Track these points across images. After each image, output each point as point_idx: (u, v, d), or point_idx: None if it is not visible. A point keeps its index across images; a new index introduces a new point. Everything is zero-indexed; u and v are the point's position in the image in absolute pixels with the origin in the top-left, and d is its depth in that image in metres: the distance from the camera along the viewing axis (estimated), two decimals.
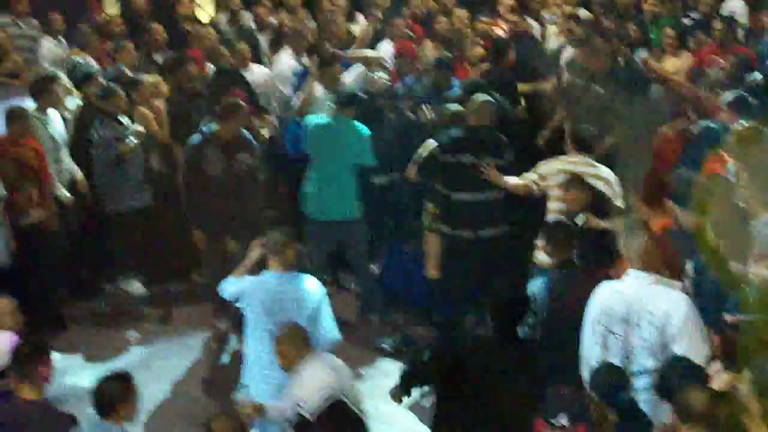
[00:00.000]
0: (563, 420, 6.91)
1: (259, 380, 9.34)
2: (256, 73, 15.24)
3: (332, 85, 13.59)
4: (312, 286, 9.56)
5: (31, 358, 7.82)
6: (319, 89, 13.67)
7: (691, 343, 8.10)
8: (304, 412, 8.29)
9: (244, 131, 12.50)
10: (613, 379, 7.75)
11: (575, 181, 10.73)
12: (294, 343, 8.57)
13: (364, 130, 12.57)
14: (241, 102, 12.46)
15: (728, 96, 11.87)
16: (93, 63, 15.18)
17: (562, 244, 9.66)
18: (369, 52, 14.91)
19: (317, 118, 12.93)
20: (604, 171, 11.17)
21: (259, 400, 8.90)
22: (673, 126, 12.43)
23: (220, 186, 12.21)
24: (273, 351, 8.89)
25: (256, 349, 9.45)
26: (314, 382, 8.40)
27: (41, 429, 7.67)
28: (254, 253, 9.70)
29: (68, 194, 12.88)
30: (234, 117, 12.26)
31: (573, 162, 11.18)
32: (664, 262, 8.97)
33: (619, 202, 11.01)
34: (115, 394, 7.70)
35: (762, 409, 7.24)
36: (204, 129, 12.35)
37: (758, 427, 7.08)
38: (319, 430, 8.10)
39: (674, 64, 14.77)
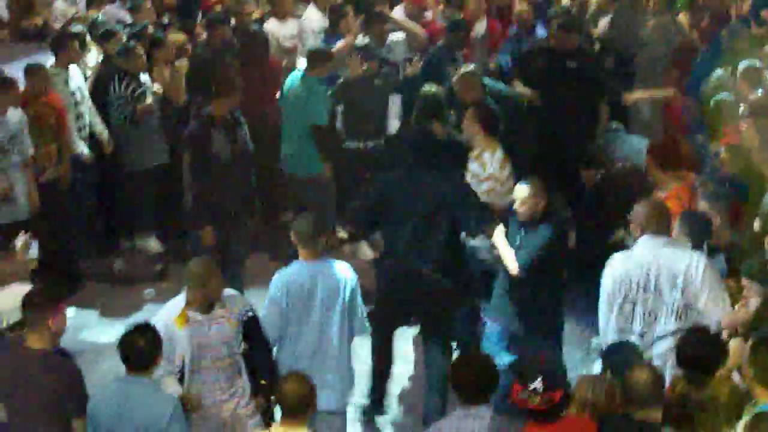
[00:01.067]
0: (538, 384, 6.97)
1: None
2: (289, 25, 15.20)
3: (379, 42, 13.84)
4: (345, 274, 9.13)
5: (40, 307, 7.76)
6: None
7: (714, 299, 8.25)
8: None
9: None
10: (627, 357, 7.82)
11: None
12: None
13: (319, 89, 12.84)
14: (233, 78, 12.18)
15: (743, 64, 11.77)
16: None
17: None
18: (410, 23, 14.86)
19: (292, 76, 13.15)
20: None
21: None
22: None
23: (227, 168, 11.68)
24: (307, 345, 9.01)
25: (291, 345, 9.12)
26: None
27: (47, 380, 7.61)
28: None
29: (87, 151, 12.92)
30: (230, 93, 11.79)
31: None
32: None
33: None
34: (146, 348, 7.65)
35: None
36: (202, 112, 12.00)
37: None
38: None
39: None
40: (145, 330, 7.73)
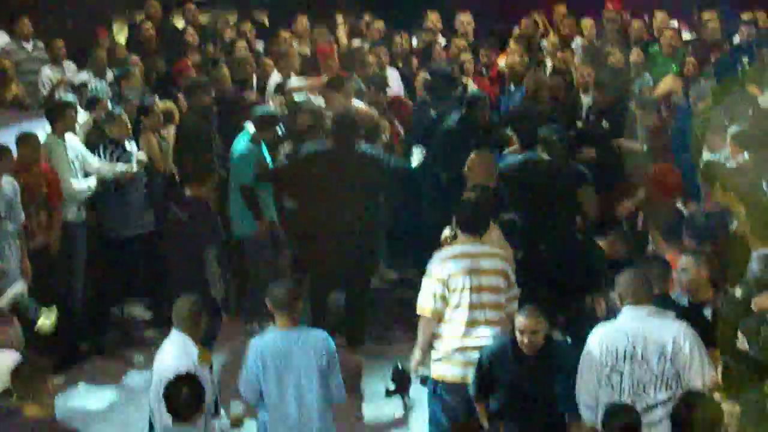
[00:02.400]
0: None
1: None
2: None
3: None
4: (322, 342, 9.04)
5: (31, 377, 7.82)
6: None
7: (702, 367, 8.35)
8: None
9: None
10: (629, 419, 7.82)
11: None
12: None
13: (245, 148, 13.06)
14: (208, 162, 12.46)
15: (733, 129, 12.01)
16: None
17: None
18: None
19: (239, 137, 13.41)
20: None
21: None
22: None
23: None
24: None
25: (275, 411, 9.06)
26: None
27: None
28: None
29: (84, 215, 13.01)
30: (205, 179, 11.96)
31: None
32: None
33: None
34: (192, 398, 7.84)
35: None
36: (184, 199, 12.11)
37: None
38: None
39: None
40: (189, 380, 7.93)
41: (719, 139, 12.21)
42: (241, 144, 13.21)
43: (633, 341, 8.41)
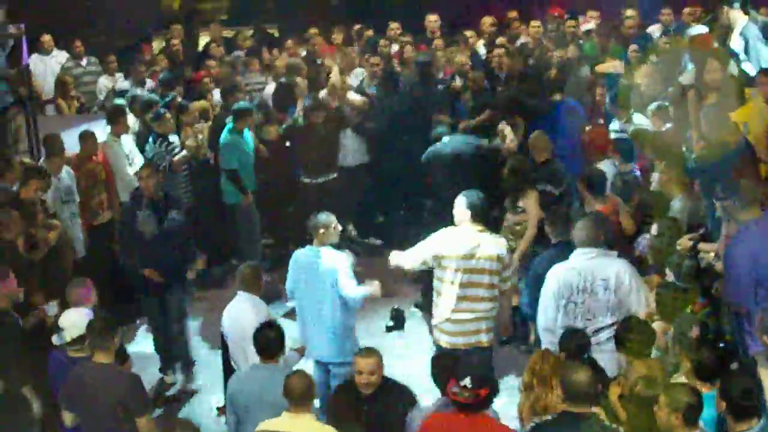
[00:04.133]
0: (467, 382, 6.96)
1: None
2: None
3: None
4: (331, 257, 9.44)
5: (103, 331, 7.90)
6: None
7: (640, 297, 8.55)
8: None
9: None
10: (581, 341, 8.01)
11: None
12: None
13: (227, 139, 13.24)
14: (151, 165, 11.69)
15: (653, 105, 11.99)
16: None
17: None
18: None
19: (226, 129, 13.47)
20: None
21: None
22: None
23: (151, 244, 10.98)
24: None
25: (302, 314, 9.68)
26: None
27: (112, 387, 7.79)
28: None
29: None
30: (151, 175, 11.11)
31: None
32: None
33: None
34: (275, 340, 7.99)
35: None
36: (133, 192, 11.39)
37: None
38: None
39: None
40: (273, 326, 8.09)
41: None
42: (224, 135, 13.34)
43: (584, 277, 8.53)
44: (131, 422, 7.75)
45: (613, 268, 8.57)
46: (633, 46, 14.65)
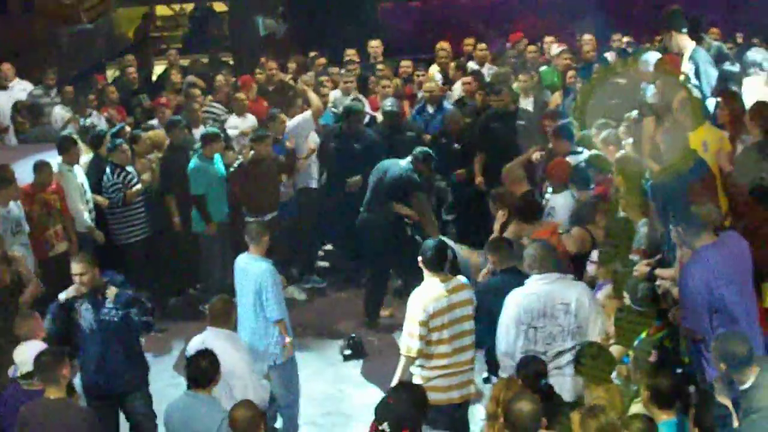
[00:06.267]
0: (386, 427, 6.86)
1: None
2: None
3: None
4: (259, 267, 9.91)
5: (51, 364, 7.81)
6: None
7: (598, 321, 8.54)
8: None
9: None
10: (538, 367, 7.97)
11: None
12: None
13: (195, 164, 13.21)
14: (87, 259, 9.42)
15: (603, 134, 11.80)
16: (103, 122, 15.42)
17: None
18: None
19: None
20: None
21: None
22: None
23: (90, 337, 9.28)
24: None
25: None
26: None
27: (64, 422, 7.73)
28: None
29: (93, 225, 12.98)
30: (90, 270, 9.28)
31: None
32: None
33: None
34: (208, 369, 7.83)
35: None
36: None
37: None
38: None
39: None
40: (207, 355, 7.94)
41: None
42: (193, 161, 13.31)
43: (544, 302, 8.50)
44: None
45: (573, 292, 8.58)
46: (571, 72, 14.90)
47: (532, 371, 7.91)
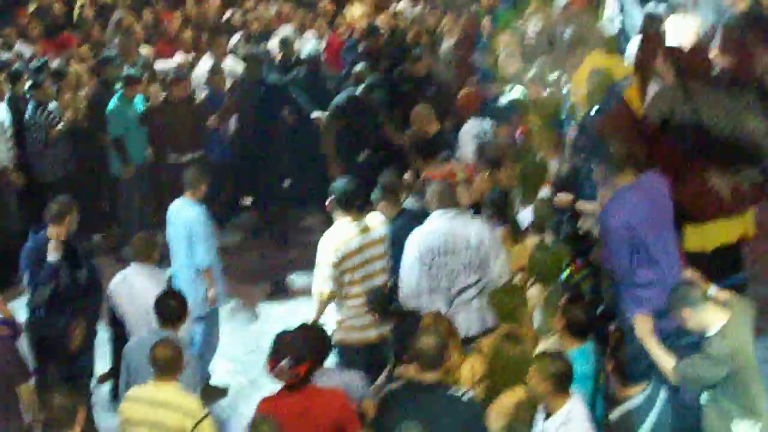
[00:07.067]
0: (286, 362, 6.81)
1: None
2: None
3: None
4: (190, 212, 9.86)
5: None
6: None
7: (501, 255, 8.53)
8: None
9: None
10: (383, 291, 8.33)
11: None
12: None
13: (114, 105, 12.94)
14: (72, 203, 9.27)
15: (530, 73, 11.77)
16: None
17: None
18: None
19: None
20: None
21: None
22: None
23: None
24: None
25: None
26: None
27: None
28: None
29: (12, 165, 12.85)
30: (66, 219, 9.10)
31: None
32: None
33: None
34: (177, 308, 7.97)
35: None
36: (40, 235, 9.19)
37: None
38: None
39: None
40: (176, 295, 8.14)
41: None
42: (112, 101, 13.05)
43: (445, 238, 8.42)
44: (11, 392, 7.66)
45: (473, 227, 8.53)
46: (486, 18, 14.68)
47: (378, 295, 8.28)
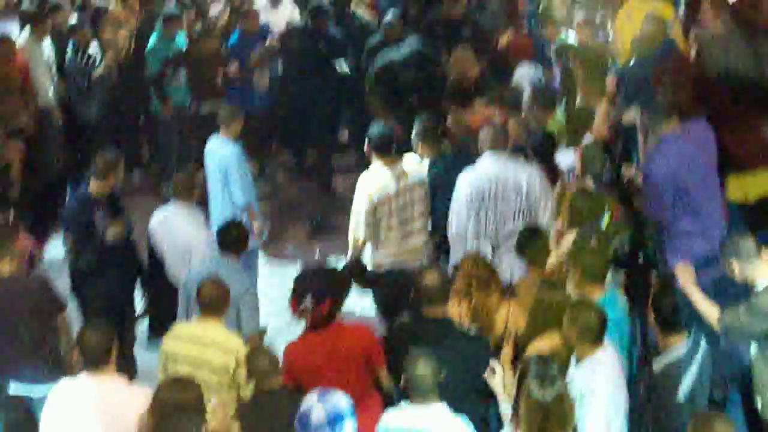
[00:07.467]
0: (308, 300, 6.86)
1: None
2: None
3: None
4: (226, 151, 9.85)
5: (3, 237, 7.78)
6: None
7: (548, 204, 8.51)
8: None
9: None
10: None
11: None
12: None
13: (153, 44, 12.77)
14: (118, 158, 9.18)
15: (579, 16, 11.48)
16: None
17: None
18: None
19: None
20: None
21: None
22: None
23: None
24: None
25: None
26: None
27: (22, 295, 7.71)
28: None
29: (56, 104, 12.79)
30: (113, 175, 9.06)
31: None
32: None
33: None
34: (238, 238, 8.26)
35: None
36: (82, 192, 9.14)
37: None
38: None
39: None
40: (238, 225, 8.46)
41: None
42: (151, 40, 12.90)
43: (495, 182, 8.41)
44: (48, 324, 7.74)
45: (524, 173, 8.51)
46: None
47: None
